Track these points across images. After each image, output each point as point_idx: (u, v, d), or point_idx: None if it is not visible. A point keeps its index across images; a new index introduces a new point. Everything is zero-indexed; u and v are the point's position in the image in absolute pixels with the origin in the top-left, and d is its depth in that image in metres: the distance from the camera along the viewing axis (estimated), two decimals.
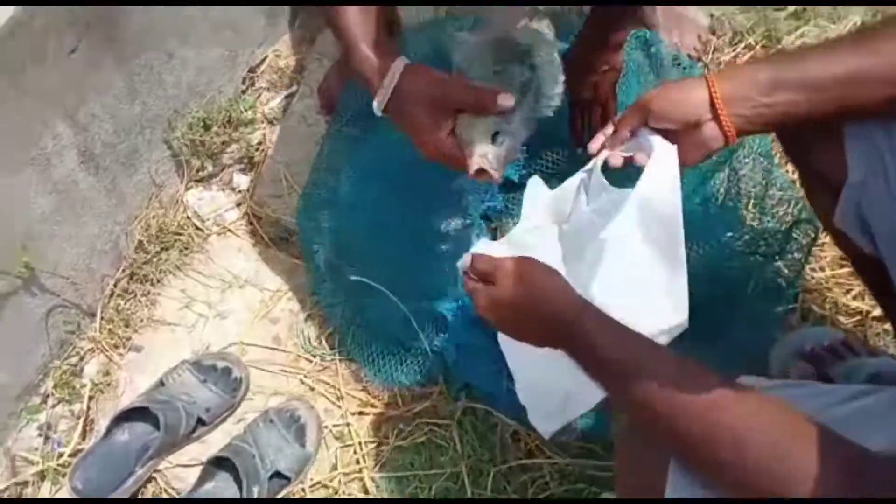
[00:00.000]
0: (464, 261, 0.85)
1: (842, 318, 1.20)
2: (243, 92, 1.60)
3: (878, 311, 1.19)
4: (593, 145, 0.93)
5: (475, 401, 1.26)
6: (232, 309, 1.43)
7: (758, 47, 1.47)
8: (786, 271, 1.13)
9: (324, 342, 1.38)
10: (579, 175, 0.99)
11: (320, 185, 1.44)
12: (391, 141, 1.31)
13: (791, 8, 1.54)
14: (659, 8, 1.49)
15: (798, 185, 1.16)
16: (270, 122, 1.59)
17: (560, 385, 0.97)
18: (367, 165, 1.39)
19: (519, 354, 1.09)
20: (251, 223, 1.50)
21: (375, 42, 0.92)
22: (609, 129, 0.91)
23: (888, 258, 0.80)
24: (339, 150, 1.46)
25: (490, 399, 1.25)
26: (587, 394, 0.93)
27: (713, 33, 1.54)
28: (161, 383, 1.31)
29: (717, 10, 1.57)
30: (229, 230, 1.50)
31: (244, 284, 1.45)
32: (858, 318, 1.20)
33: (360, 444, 1.29)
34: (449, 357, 1.26)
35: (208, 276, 1.46)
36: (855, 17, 1.50)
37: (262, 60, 1.63)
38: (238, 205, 1.53)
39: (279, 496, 1.24)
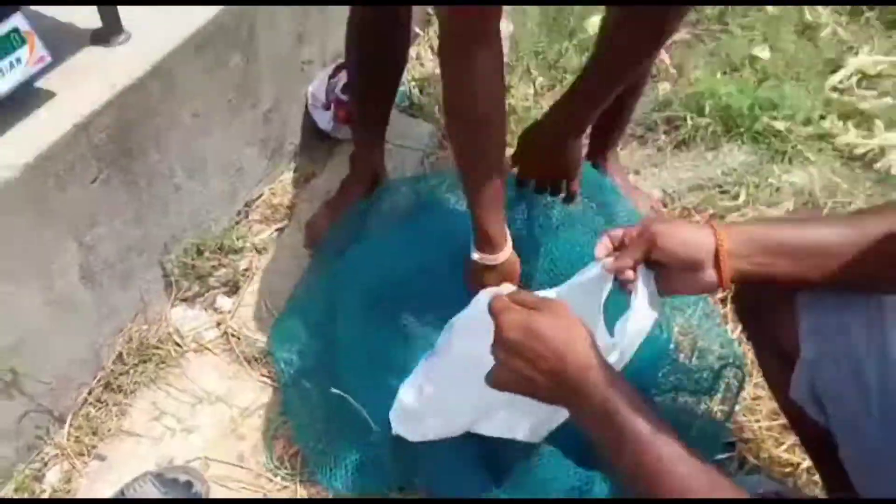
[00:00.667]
0: (503, 287, 0.93)
1: (775, 468, 1.30)
2: (237, 223, 1.74)
3: (807, 464, 1.29)
4: (602, 251, 0.95)
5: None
6: (200, 424, 1.47)
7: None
8: (719, 415, 1.24)
9: (286, 462, 1.42)
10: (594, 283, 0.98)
11: (295, 312, 1.56)
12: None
13: (735, 192, 1.76)
14: (617, 177, 1.70)
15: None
16: (259, 252, 1.72)
17: (449, 411, 1.05)
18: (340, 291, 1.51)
19: (447, 370, 1.15)
20: (228, 342, 1.59)
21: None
22: (606, 242, 0.95)
23: (839, 434, 0.89)
24: (317, 281, 1.60)
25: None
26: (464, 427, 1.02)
27: (664, 205, 1.76)
28: (122, 493, 1.33)
29: (668, 187, 1.79)
30: (206, 348, 1.58)
31: (215, 401, 1.51)
32: (790, 469, 1.30)
33: None
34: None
35: (181, 390, 1.52)
36: (788, 203, 1.73)
37: (258, 196, 1.80)
38: (218, 324, 1.62)
39: None
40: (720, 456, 1.32)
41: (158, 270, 1.58)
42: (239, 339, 1.59)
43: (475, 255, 1.26)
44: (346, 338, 1.42)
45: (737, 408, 1.33)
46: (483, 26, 1.06)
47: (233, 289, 1.66)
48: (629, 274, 0.92)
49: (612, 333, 0.94)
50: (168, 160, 1.47)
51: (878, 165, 1.73)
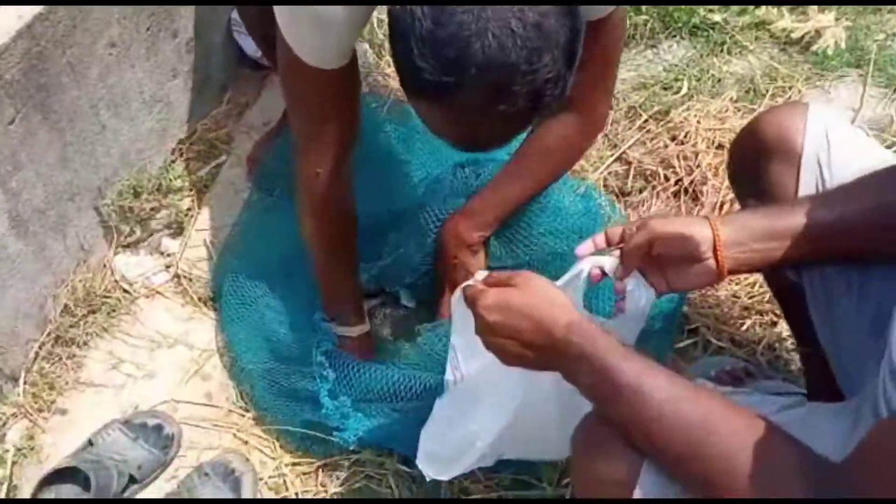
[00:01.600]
0: (477, 277, 0.90)
1: (738, 350, 1.37)
2: (173, 161, 1.68)
3: (766, 342, 1.36)
4: (583, 249, 0.98)
5: (408, 460, 1.31)
6: (161, 368, 1.46)
7: (651, 120, 1.69)
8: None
9: (256, 397, 1.42)
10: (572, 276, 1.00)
11: (236, 250, 1.55)
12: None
13: (677, 87, 1.78)
14: None
15: None
16: (199, 190, 1.68)
17: (469, 436, 1.05)
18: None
19: (452, 394, 1.16)
20: (180, 285, 1.56)
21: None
22: (601, 240, 0.97)
23: (808, 287, 0.95)
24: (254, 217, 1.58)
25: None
26: (490, 450, 1.01)
27: (610, 108, 1.76)
28: (90, 443, 1.31)
29: (615, 89, 1.80)
30: (157, 292, 1.55)
31: (173, 344, 1.49)
32: (752, 347, 1.36)
33: (296, 494, 1.32)
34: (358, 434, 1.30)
35: (136, 337, 1.49)
36: (730, 92, 1.76)
37: (192, 133, 1.73)
38: (167, 267, 1.58)
39: None
40: (684, 342, 1.37)
41: (95, 216, 1.52)
42: (190, 280, 1.56)
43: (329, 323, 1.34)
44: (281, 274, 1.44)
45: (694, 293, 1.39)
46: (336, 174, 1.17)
47: (177, 230, 1.62)
48: (623, 285, 0.96)
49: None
50: (88, 96, 1.40)
51: (815, 47, 1.77)
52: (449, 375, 1.10)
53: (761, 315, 1.39)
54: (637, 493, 0.74)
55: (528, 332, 0.81)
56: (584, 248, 0.98)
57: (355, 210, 1.27)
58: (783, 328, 1.36)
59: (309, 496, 1.32)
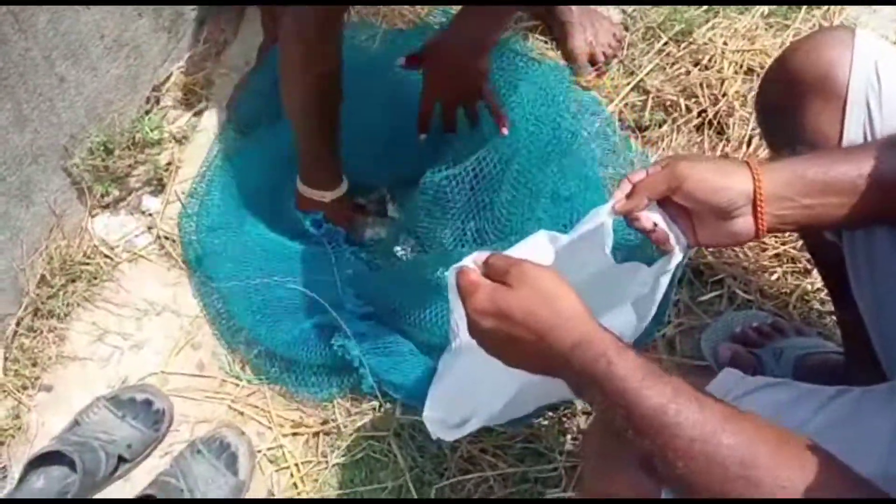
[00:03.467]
0: (472, 257, 0.79)
1: (767, 302, 1.28)
2: (147, 112, 1.58)
3: (799, 293, 1.27)
4: (619, 196, 0.84)
5: (410, 413, 1.28)
6: (149, 338, 1.41)
7: (671, 42, 1.55)
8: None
9: (249, 365, 1.38)
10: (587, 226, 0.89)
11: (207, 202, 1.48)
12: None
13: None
14: (575, 7, 1.56)
15: None
16: (179, 142, 1.59)
17: (472, 399, 0.99)
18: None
19: (453, 363, 1.11)
20: (163, 247, 1.49)
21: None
22: (626, 187, 0.83)
23: (848, 252, 0.84)
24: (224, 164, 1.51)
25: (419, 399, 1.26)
26: (495, 414, 0.95)
27: (626, 29, 1.63)
28: (76, 423, 1.28)
29: (629, 7, 1.65)
30: (141, 256, 1.49)
31: (161, 311, 1.43)
32: (783, 298, 1.27)
33: (296, 465, 1.29)
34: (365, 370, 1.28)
35: (121, 305, 1.44)
36: (763, 7, 1.60)
37: (167, 78, 1.63)
38: (149, 229, 1.51)
39: None
40: (708, 294, 1.29)
41: (64, 178, 1.44)
42: (175, 241, 1.49)
43: (301, 187, 1.33)
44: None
45: None
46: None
47: (158, 187, 1.54)
48: (644, 216, 0.81)
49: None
50: (39, 46, 1.30)
51: None
52: (452, 335, 1.05)
53: (793, 263, 1.29)
54: None
55: (528, 345, 0.71)
56: (620, 194, 0.83)
57: (341, 73, 1.25)
58: (815, 276, 1.26)
59: (309, 468, 1.29)
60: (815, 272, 1.26)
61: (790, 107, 0.90)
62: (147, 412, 1.30)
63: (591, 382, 0.67)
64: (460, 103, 1.28)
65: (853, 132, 0.85)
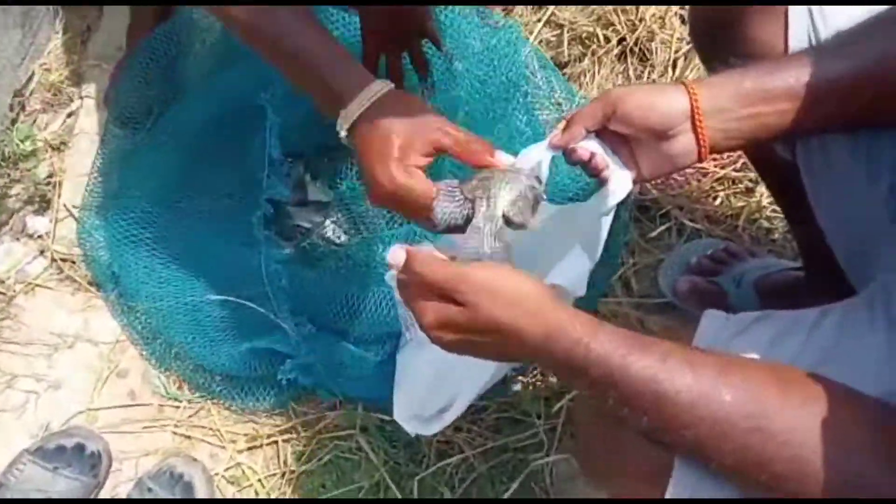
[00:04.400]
0: (395, 257, 0.70)
1: (715, 228, 1.27)
2: (14, 121, 1.42)
3: (746, 214, 1.26)
4: (554, 140, 0.81)
5: (372, 408, 1.21)
6: (66, 375, 1.28)
7: None
8: None
9: (187, 383, 1.27)
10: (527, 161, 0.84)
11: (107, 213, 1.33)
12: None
13: None
14: None
15: None
16: (57, 150, 1.43)
17: (449, 385, 0.94)
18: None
19: (414, 357, 1.05)
20: (62, 270, 1.34)
21: (346, 56, 0.88)
22: (563, 125, 0.80)
23: (804, 167, 0.82)
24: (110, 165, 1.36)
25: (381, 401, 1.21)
26: (480, 390, 0.92)
27: None
28: (0, 485, 1.14)
29: None
30: (37, 285, 1.34)
31: (73, 342, 1.30)
32: (730, 222, 1.26)
33: (259, 481, 1.21)
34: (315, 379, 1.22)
35: (25, 343, 1.30)
36: None
37: (29, 79, 1.46)
38: (41, 252, 1.37)
39: None
40: (657, 230, 1.26)
41: None
42: (74, 262, 1.35)
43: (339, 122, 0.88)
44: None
45: None
46: None
47: (42, 205, 1.39)
48: (580, 147, 0.77)
49: None
50: None
51: None
52: (404, 328, 0.98)
53: (735, 184, 1.28)
54: (671, 491, 0.63)
55: (498, 346, 0.66)
56: (557, 139, 0.79)
57: None
58: (760, 194, 1.26)
59: (274, 481, 1.22)
60: (758, 191, 1.26)
61: (728, 20, 0.86)
62: (80, 458, 1.18)
63: (573, 370, 0.63)
64: (404, 50, 1.18)
65: (797, 40, 0.82)
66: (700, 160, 0.77)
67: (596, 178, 0.80)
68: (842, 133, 0.79)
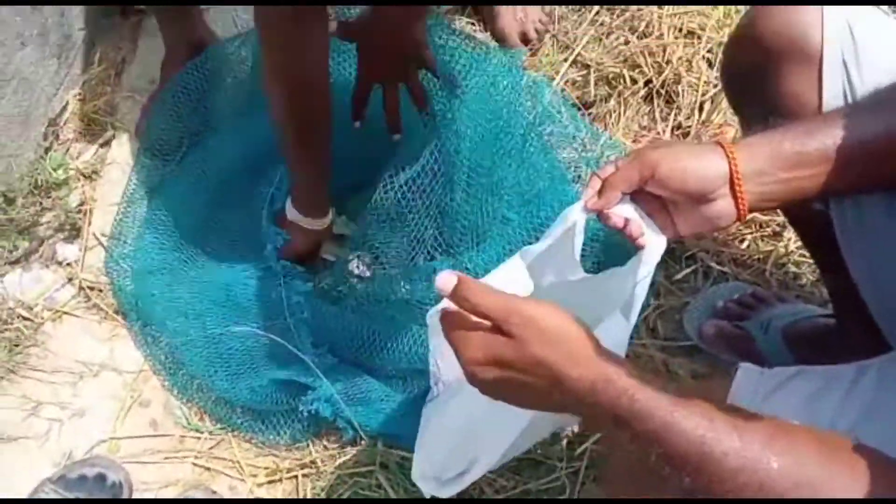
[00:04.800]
0: (445, 282, 0.67)
1: (742, 272, 1.26)
2: (47, 150, 1.44)
3: (774, 258, 1.25)
4: (589, 195, 0.80)
5: (393, 444, 1.21)
6: (90, 403, 1.28)
7: (603, 11, 1.50)
8: None
9: (208, 414, 1.27)
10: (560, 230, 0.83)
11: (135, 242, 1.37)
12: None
13: None
14: None
15: None
16: (88, 178, 1.45)
17: (471, 445, 0.93)
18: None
19: (438, 415, 1.03)
20: (89, 298, 1.36)
21: None
22: (596, 184, 0.79)
23: (837, 217, 0.81)
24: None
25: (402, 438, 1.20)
26: (504, 454, 0.89)
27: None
28: None
29: None
30: (65, 312, 1.35)
31: (99, 371, 1.31)
32: (758, 266, 1.26)
33: None
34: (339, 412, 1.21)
35: (52, 371, 1.30)
36: None
37: (63, 109, 1.48)
38: (69, 280, 1.38)
39: None
40: (682, 272, 1.26)
41: None
42: (101, 291, 1.37)
43: (292, 215, 1.24)
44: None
45: None
46: None
47: (72, 233, 1.41)
48: (614, 214, 0.77)
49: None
50: None
51: None
52: (433, 381, 0.97)
53: (762, 228, 1.28)
54: None
55: (540, 391, 0.65)
56: (590, 192, 0.78)
57: (326, 87, 1.14)
58: (788, 238, 1.26)
59: None
60: (786, 234, 1.26)
61: (761, 73, 0.86)
62: (102, 488, 1.18)
63: (618, 421, 0.63)
64: (401, 81, 1.20)
65: (832, 95, 0.82)
66: (739, 220, 0.77)
67: (630, 241, 0.79)
68: (877, 192, 0.78)
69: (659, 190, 0.75)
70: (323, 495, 1.21)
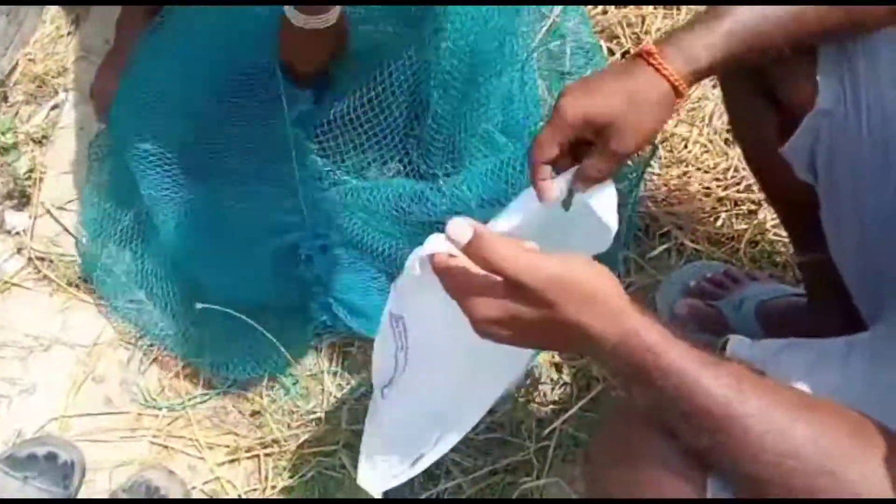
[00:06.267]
0: (457, 232, 0.60)
1: (716, 250, 1.25)
2: None
3: (748, 237, 1.24)
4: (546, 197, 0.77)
5: (357, 422, 1.18)
6: (40, 379, 1.25)
7: None
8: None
9: (166, 389, 1.24)
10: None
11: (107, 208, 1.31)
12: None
13: None
14: None
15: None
16: (38, 143, 1.40)
17: (430, 434, 0.91)
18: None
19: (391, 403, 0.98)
20: (39, 270, 1.31)
21: None
22: (545, 172, 0.76)
23: (826, 192, 0.81)
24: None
25: None
26: (457, 436, 0.90)
27: None
28: None
29: None
30: (14, 284, 1.31)
31: (49, 346, 1.27)
32: (732, 244, 1.25)
33: (239, 496, 1.18)
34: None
35: None
36: None
37: (12, 69, 1.42)
38: (18, 250, 1.33)
39: None
40: (656, 249, 1.24)
41: None
42: (52, 261, 1.32)
43: (292, 15, 1.02)
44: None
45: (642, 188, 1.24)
46: None
47: (21, 200, 1.36)
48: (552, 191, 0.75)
49: None
50: None
51: None
52: (379, 386, 0.90)
53: (737, 205, 1.27)
54: None
55: (561, 342, 0.66)
56: (547, 194, 0.75)
57: None
58: (764, 216, 1.25)
59: (256, 495, 1.19)
60: (760, 213, 1.25)
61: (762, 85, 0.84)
62: (53, 468, 1.14)
63: (640, 377, 0.61)
64: None
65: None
66: (680, 96, 0.73)
67: None
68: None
69: (590, 135, 0.73)
70: (285, 475, 1.19)
